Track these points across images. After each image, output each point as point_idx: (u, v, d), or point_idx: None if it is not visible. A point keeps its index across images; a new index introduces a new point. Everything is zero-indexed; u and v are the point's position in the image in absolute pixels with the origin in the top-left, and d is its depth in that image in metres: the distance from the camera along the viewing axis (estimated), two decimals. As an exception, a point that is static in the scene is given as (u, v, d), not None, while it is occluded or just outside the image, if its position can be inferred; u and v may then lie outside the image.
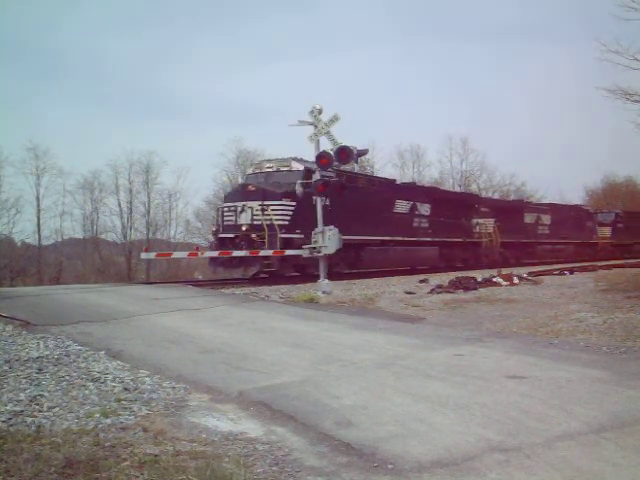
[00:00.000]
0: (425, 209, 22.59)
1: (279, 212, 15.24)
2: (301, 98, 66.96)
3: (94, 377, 4.83)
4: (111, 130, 70.44)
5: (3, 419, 3.72)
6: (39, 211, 39.25)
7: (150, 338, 6.54)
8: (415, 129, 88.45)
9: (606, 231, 39.37)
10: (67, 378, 4.79)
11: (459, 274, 18.26)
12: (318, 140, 13.33)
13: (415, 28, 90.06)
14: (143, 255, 13.32)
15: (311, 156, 13.75)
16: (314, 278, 14.20)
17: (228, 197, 17.18)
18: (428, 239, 22.21)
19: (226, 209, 15.97)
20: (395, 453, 3.23)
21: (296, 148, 20.01)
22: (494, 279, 16.70)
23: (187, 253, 14.28)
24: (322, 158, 13.14)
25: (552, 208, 35.60)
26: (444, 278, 17.34)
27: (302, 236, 14.77)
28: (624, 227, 41.33)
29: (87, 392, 4.42)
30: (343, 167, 16.04)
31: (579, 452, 3.23)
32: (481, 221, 26.57)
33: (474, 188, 51.65)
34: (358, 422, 3.75)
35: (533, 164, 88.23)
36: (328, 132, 13.13)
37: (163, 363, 5.36)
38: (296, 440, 3.48)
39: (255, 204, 15.16)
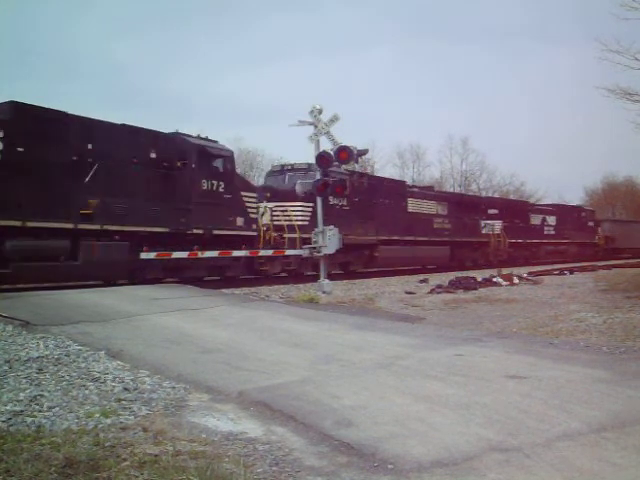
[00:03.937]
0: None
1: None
2: (301, 98, 66.98)
3: (94, 377, 4.82)
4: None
5: (3, 419, 3.71)
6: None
7: (150, 338, 6.53)
8: (415, 129, 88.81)
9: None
10: (67, 378, 4.78)
11: (458, 274, 18.29)
12: (318, 140, 13.35)
13: (415, 28, 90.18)
14: (143, 255, 13.29)
15: (311, 156, 13.76)
16: (314, 278, 14.20)
17: None
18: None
19: None
20: (395, 453, 3.23)
21: (296, 148, 20.03)
22: (494, 279, 16.77)
23: (187, 253, 14.26)
24: (322, 158, 13.15)
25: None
26: (444, 278, 17.36)
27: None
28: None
29: (87, 392, 4.41)
30: None
31: (579, 452, 3.23)
32: None
33: (474, 188, 51.44)
34: (358, 422, 3.75)
35: (533, 164, 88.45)
36: (328, 132, 13.14)
37: (163, 363, 5.35)
38: (296, 440, 3.48)
39: None
